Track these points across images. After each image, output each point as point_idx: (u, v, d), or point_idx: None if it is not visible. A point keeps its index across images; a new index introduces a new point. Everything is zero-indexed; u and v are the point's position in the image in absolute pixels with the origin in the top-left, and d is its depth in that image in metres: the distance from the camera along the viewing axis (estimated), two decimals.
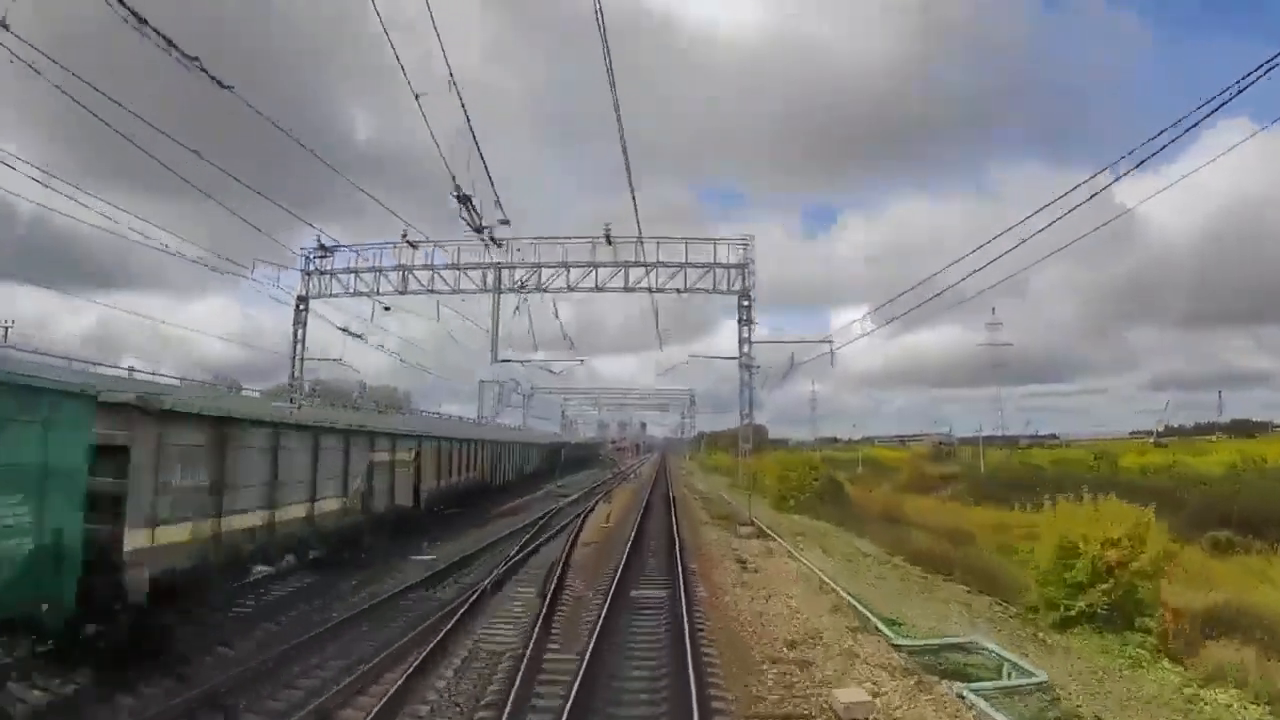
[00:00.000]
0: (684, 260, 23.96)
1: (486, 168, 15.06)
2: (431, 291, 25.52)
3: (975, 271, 14.20)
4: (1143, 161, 10.40)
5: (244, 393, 26.81)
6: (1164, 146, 9.96)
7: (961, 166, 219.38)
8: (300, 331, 27.03)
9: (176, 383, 20.32)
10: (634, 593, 13.68)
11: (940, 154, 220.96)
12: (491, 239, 25.10)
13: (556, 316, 24.84)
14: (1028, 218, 12.66)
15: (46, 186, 13.32)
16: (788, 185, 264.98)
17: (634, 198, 18.49)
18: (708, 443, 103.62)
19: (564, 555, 16.92)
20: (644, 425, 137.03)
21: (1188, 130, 9.39)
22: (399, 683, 8.12)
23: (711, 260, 24.05)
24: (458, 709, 7.94)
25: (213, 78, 10.75)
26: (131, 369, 20.45)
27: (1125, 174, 10.89)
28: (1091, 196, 11.23)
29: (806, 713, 7.84)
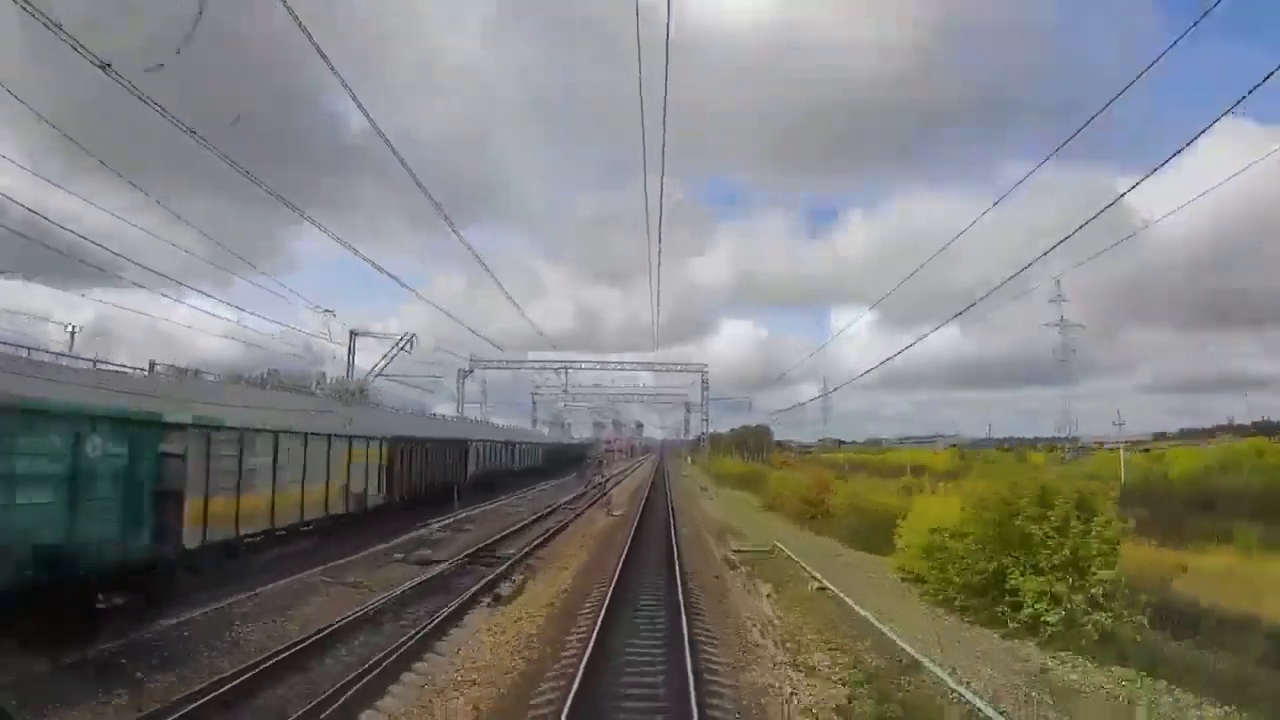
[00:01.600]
0: None
1: None
2: None
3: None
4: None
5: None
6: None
7: (970, 163, 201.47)
8: None
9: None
10: None
11: (949, 150, 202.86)
12: None
13: None
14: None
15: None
16: (790, 181, 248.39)
17: None
18: (711, 444, 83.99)
19: None
20: (640, 425, 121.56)
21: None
22: None
23: None
24: None
25: None
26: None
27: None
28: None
29: None
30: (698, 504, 35.23)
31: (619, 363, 57.07)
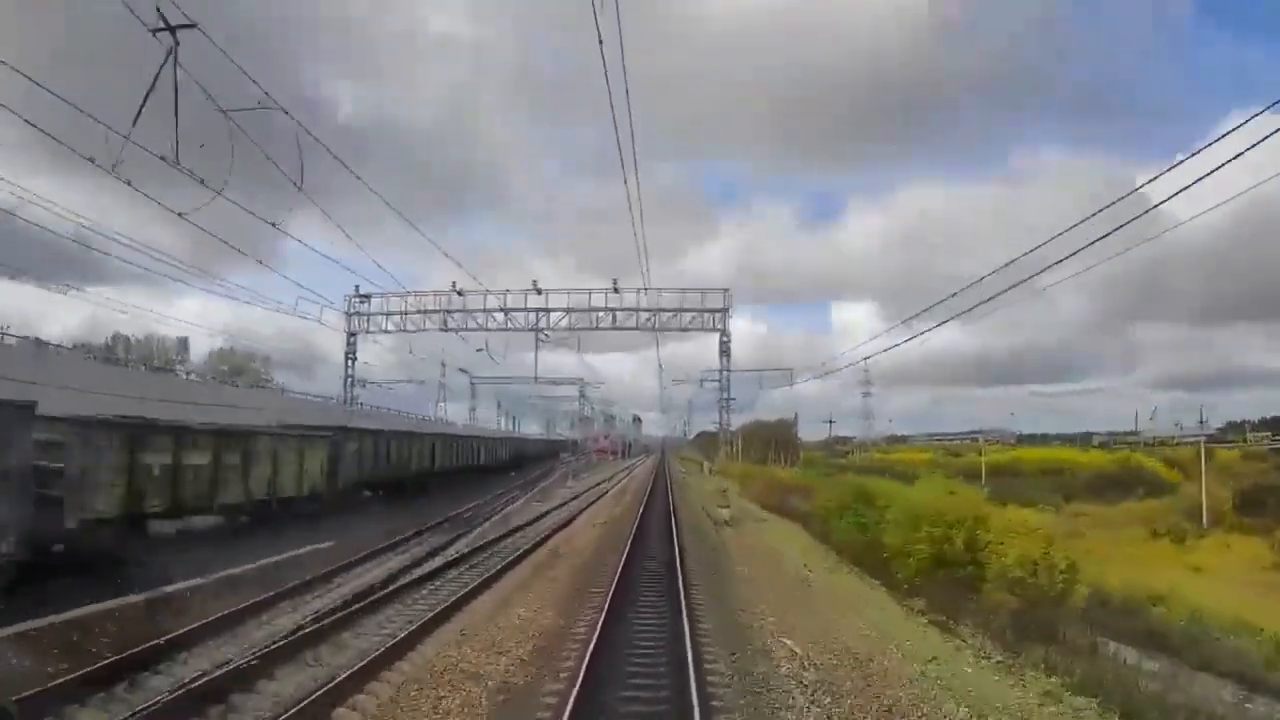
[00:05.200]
0: None
1: None
2: None
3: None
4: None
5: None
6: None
7: (981, 151, 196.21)
8: None
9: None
10: None
11: (959, 138, 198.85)
12: None
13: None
14: None
15: None
16: (792, 169, 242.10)
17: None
18: (746, 439, 70.13)
19: None
20: (637, 419, 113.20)
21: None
22: None
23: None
24: None
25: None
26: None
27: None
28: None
29: None
30: None
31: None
